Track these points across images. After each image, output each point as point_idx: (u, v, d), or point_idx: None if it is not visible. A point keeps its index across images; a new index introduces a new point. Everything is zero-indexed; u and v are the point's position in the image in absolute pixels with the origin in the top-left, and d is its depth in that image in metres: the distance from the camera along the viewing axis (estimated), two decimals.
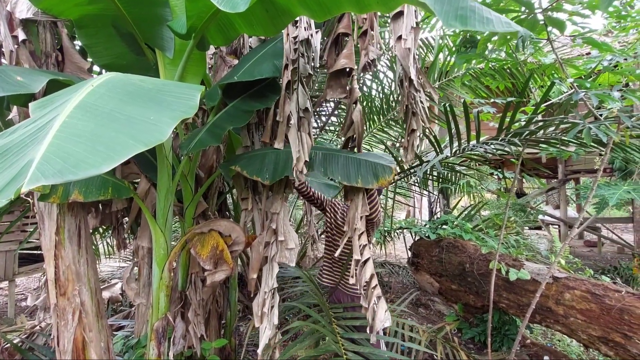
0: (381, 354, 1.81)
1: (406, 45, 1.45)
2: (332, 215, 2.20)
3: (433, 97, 1.71)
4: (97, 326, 1.63)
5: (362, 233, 1.71)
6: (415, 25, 1.48)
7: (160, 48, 1.57)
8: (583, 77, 2.33)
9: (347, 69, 1.64)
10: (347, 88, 1.71)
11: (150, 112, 0.74)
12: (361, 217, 1.72)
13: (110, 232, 3.37)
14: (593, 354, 3.08)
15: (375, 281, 1.69)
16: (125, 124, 0.67)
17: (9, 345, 2.17)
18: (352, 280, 1.71)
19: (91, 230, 2.19)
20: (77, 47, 1.87)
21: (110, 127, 0.65)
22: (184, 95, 0.86)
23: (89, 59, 1.83)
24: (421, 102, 1.54)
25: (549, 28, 1.95)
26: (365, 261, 1.68)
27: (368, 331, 1.65)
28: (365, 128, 4.20)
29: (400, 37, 1.47)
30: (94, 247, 3.55)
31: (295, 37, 1.64)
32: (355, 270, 1.66)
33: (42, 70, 1.51)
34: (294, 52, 1.63)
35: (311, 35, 1.67)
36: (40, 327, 2.79)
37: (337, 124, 4.37)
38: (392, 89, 3.99)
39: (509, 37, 1.73)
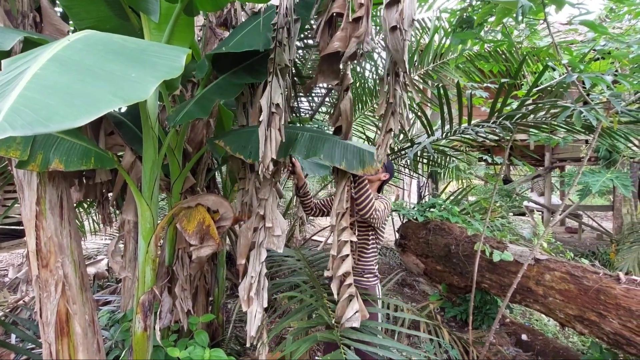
0: (375, 325, 1.81)
1: (406, 37, 1.30)
2: None
3: (414, 97, 1.58)
4: (81, 299, 1.60)
5: (343, 229, 1.67)
6: (414, 18, 1.35)
7: (145, 11, 1.49)
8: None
9: (341, 53, 1.47)
10: (340, 73, 1.58)
11: (133, 70, 0.70)
12: (342, 214, 1.67)
13: (95, 207, 3.31)
14: (568, 333, 3.23)
15: (350, 280, 1.67)
16: (104, 79, 0.63)
17: None
18: (327, 273, 1.70)
19: (75, 204, 2.14)
20: (59, 14, 1.76)
21: (87, 81, 0.61)
22: (168, 56, 0.81)
23: (70, 23, 1.73)
24: (404, 101, 1.44)
25: (547, 9, 1.93)
26: (344, 257, 1.65)
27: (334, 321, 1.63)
28: (359, 108, 4.15)
29: (394, 28, 1.28)
30: (79, 223, 3.49)
31: (273, 25, 1.50)
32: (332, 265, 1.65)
33: (17, 29, 1.42)
34: (271, 40, 1.51)
35: (289, 23, 1.51)
36: (24, 301, 2.76)
37: (329, 104, 4.31)
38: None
39: (507, 12, 1.69)
